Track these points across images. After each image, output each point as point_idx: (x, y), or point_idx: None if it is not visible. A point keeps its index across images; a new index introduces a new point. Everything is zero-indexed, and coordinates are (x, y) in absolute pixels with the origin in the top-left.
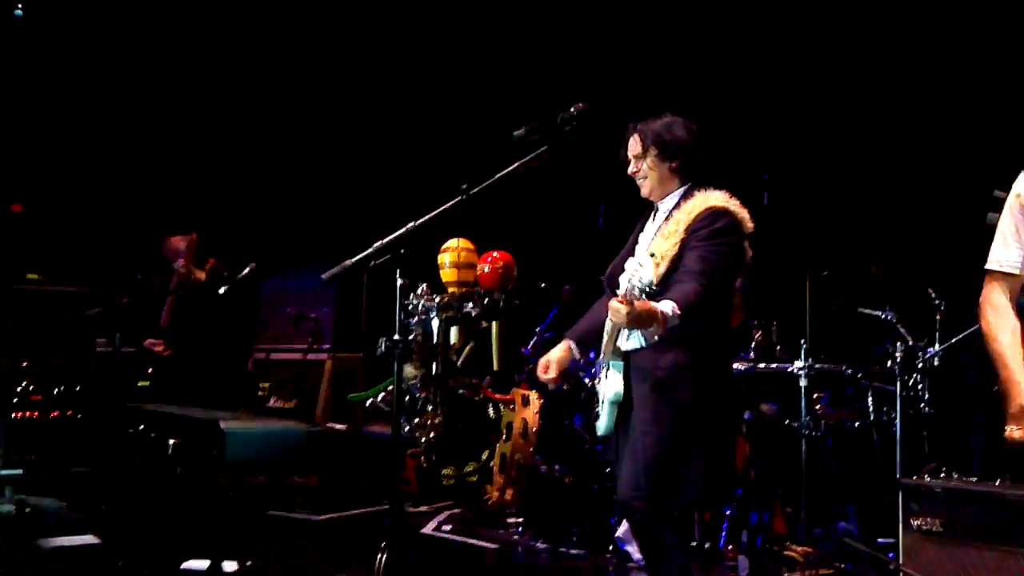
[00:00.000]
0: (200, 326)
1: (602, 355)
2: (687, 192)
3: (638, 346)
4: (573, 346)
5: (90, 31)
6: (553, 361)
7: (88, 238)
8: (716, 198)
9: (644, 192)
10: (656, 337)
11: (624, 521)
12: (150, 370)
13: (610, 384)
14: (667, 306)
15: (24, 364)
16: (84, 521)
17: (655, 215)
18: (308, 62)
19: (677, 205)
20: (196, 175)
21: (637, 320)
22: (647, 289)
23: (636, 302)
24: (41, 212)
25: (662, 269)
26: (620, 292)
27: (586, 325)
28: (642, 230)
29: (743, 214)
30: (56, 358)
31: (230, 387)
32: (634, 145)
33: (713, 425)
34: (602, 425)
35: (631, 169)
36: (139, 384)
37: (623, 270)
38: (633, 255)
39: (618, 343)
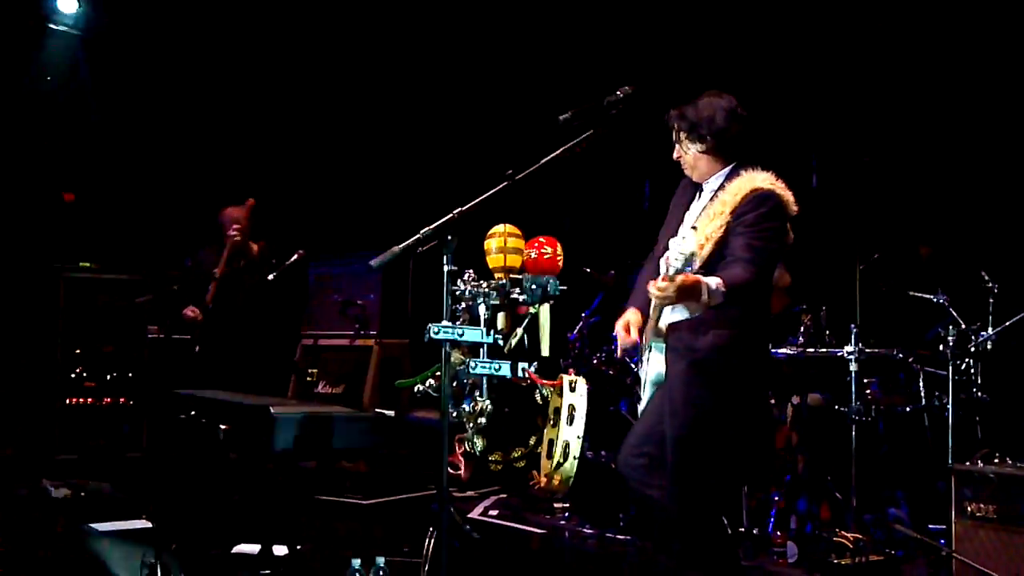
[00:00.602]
0: (247, 304)
1: (645, 337)
2: (732, 172)
3: (680, 318)
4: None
5: (140, 22)
6: (632, 323)
7: (139, 226)
8: (762, 179)
9: (691, 176)
10: (698, 312)
11: None
12: (197, 348)
13: (652, 366)
14: (713, 281)
15: (77, 351)
16: (137, 505)
17: (700, 194)
18: (358, 47)
19: (722, 186)
20: (245, 162)
21: (682, 293)
22: (690, 264)
23: (680, 276)
24: (93, 200)
25: (707, 250)
26: (662, 270)
27: (643, 297)
28: (686, 209)
29: (788, 196)
30: (108, 345)
31: (277, 373)
32: (675, 132)
33: (747, 409)
34: (643, 408)
35: (674, 155)
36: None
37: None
38: (677, 233)
39: (660, 323)
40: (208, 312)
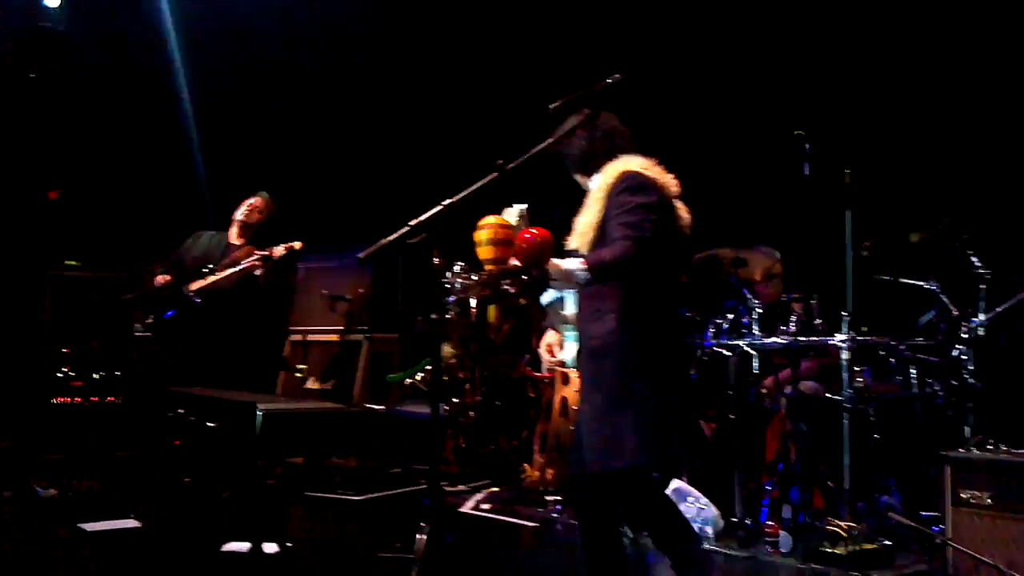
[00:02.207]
0: (234, 299)
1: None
2: (593, 168)
3: (564, 307)
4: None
5: (124, 16)
6: (554, 344)
7: (126, 223)
8: (634, 163)
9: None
10: (565, 290)
11: None
12: (179, 349)
13: (567, 352)
14: (575, 263)
15: (64, 350)
16: (125, 504)
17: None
18: (346, 39)
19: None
20: (230, 158)
21: (558, 279)
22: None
23: (549, 265)
24: (78, 198)
25: (589, 238)
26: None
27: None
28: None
29: (661, 179)
30: (96, 343)
31: (266, 369)
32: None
33: (648, 389)
34: None
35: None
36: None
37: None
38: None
39: (566, 312)
40: (194, 306)
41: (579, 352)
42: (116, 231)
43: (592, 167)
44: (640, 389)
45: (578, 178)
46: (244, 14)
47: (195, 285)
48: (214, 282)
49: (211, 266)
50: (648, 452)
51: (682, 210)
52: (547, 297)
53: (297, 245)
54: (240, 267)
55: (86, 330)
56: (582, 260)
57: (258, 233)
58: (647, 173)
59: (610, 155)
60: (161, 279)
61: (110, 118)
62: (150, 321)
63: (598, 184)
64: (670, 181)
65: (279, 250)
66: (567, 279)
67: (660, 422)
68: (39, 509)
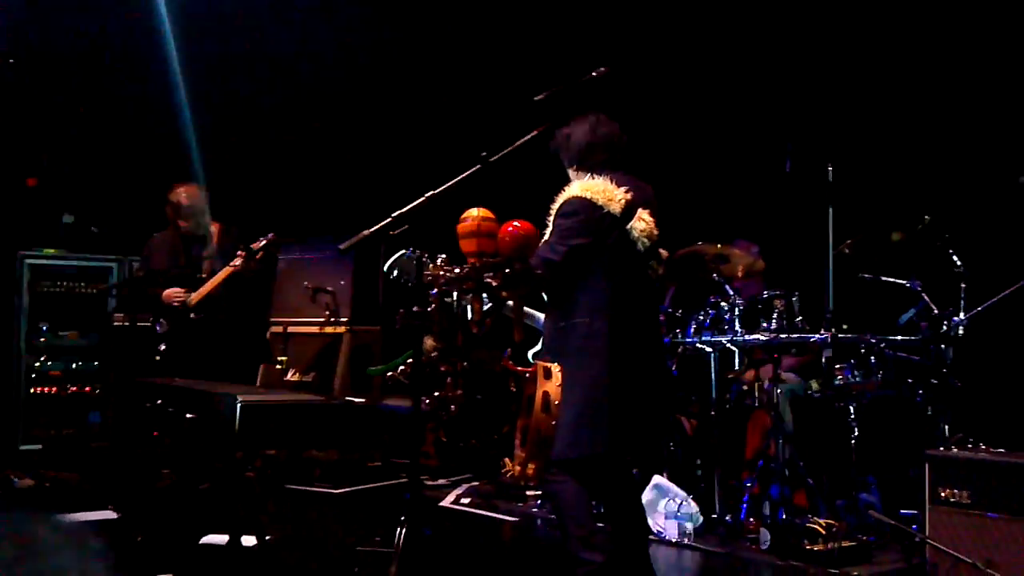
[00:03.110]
0: (229, 300)
1: None
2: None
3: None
4: None
5: (107, 3)
6: None
7: (104, 211)
8: (580, 186)
9: None
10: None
11: (646, 493)
12: (161, 347)
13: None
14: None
15: (42, 339)
16: (102, 496)
17: None
18: (321, 29)
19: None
20: (212, 147)
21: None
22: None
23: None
24: (57, 185)
25: None
26: None
27: None
28: None
29: (602, 198)
30: (74, 333)
31: (246, 361)
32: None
33: (580, 380)
34: None
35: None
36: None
37: None
38: None
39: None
40: (189, 309)
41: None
42: (95, 218)
43: (582, 171)
44: (574, 387)
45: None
46: (230, 7)
47: (195, 297)
48: (209, 291)
49: (202, 276)
50: (572, 449)
51: (640, 221)
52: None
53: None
54: (228, 268)
55: (64, 319)
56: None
57: (200, 220)
58: (587, 196)
59: (589, 169)
60: (173, 293)
61: (92, 104)
62: (126, 323)
63: (552, 207)
64: (617, 198)
65: (256, 244)
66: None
67: (586, 421)
68: (15, 500)
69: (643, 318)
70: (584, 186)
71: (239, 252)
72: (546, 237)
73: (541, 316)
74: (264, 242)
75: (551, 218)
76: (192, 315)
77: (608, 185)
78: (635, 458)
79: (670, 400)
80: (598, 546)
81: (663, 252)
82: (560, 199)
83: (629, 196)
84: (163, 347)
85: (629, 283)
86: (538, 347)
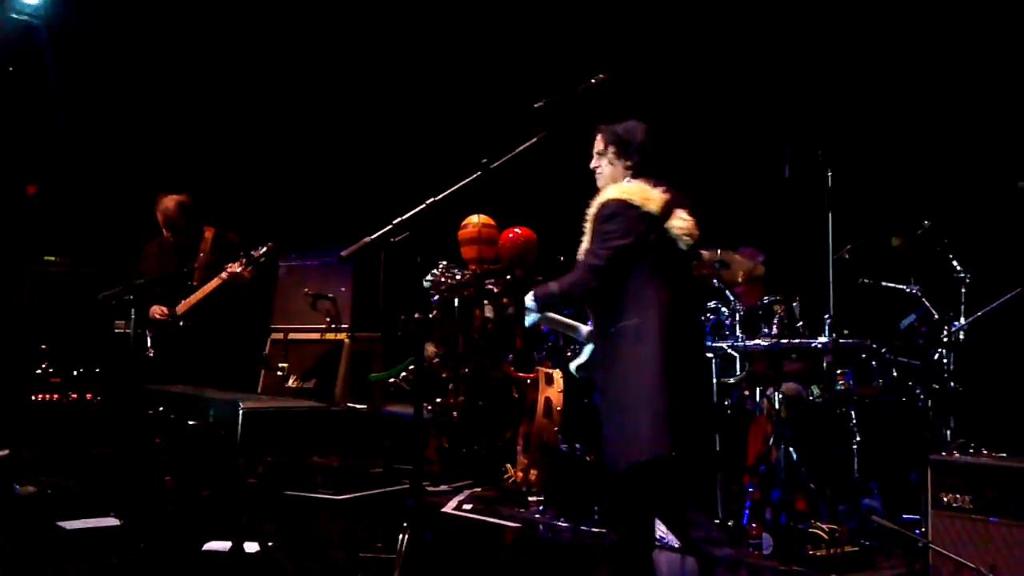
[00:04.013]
0: (216, 300)
1: None
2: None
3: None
4: None
5: (106, 13)
6: None
7: (105, 219)
8: (616, 189)
9: (599, 185)
10: (530, 321)
11: None
12: (149, 353)
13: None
14: (528, 296)
15: (43, 347)
16: (105, 503)
17: None
18: (325, 39)
19: None
20: (214, 155)
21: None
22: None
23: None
24: (58, 193)
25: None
26: None
27: None
28: None
29: (639, 198)
30: (74, 340)
31: (247, 368)
32: (598, 143)
33: (636, 382)
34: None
35: (592, 164)
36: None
37: None
38: None
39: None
40: (176, 319)
41: (590, 361)
42: (96, 226)
43: (635, 172)
44: (631, 390)
45: (615, 162)
46: (227, 12)
47: (181, 308)
48: (197, 300)
49: (192, 283)
50: (643, 452)
51: (679, 219)
52: (528, 319)
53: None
54: (217, 279)
55: (65, 326)
56: (531, 294)
57: (187, 229)
58: (623, 198)
59: (642, 175)
60: (159, 312)
61: (91, 112)
62: (128, 331)
63: (589, 212)
64: (655, 197)
65: (257, 252)
66: (526, 311)
67: (648, 423)
68: (17, 507)
69: (688, 316)
70: (620, 189)
71: (238, 260)
72: (584, 244)
73: (584, 328)
74: (264, 249)
75: (588, 224)
76: (180, 323)
77: (644, 186)
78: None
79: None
80: (723, 540)
81: (705, 253)
82: (596, 204)
83: (667, 196)
84: (151, 353)
85: (673, 281)
86: (582, 358)
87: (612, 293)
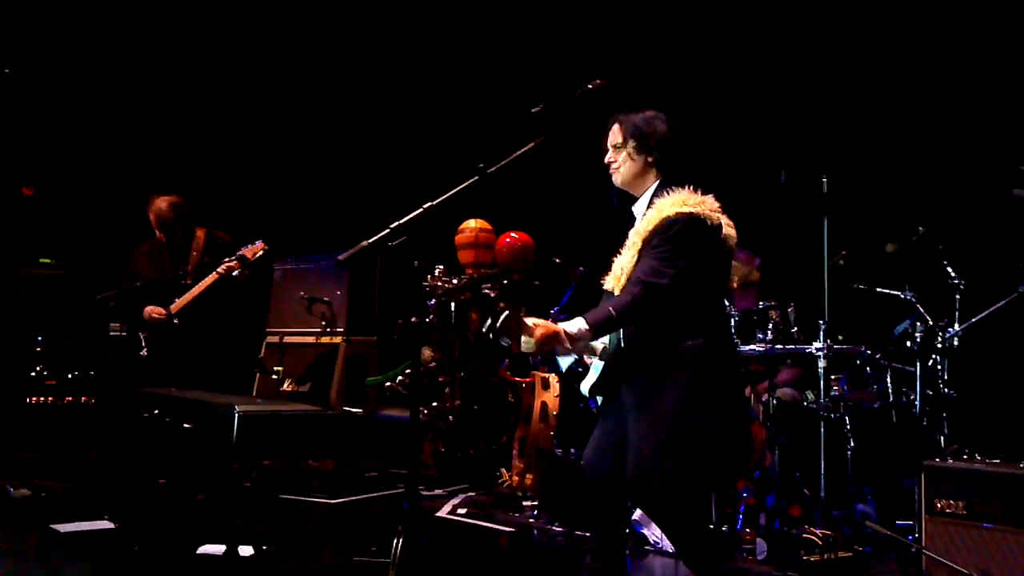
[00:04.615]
0: (210, 301)
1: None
2: (657, 190)
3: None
4: None
5: (103, 14)
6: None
7: (100, 221)
8: (674, 203)
9: (616, 181)
10: (574, 355)
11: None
12: (143, 352)
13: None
14: (573, 325)
15: (38, 349)
16: (99, 505)
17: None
18: (320, 42)
19: (649, 205)
20: (209, 158)
21: (540, 346)
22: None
23: (536, 328)
24: (53, 195)
25: (623, 281)
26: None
27: None
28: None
29: (704, 211)
30: (69, 342)
31: (241, 371)
32: (614, 135)
33: (703, 426)
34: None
35: (608, 158)
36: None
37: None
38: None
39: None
40: (171, 318)
41: (602, 379)
42: (91, 229)
43: (659, 168)
44: (700, 425)
45: (635, 156)
46: (222, 15)
47: (175, 307)
48: (191, 298)
49: (186, 282)
50: (701, 481)
51: (728, 227)
52: (564, 363)
53: (262, 245)
54: (213, 275)
55: (60, 329)
56: (584, 321)
57: (179, 230)
58: (692, 212)
59: (665, 169)
60: (155, 313)
61: (86, 113)
62: (124, 334)
63: (639, 226)
64: (711, 212)
65: (250, 251)
66: (557, 343)
67: (722, 452)
68: (11, 510)
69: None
70: (682, 200)
71: (229, 259)
72: (627, 257)
73: (598, 344)
74: (258, 250)
75: (640, 236)
76: (175, 321)
77: (700, 196)
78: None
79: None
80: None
81: None
82: (657, 217)
83: (718, 204)
84: (144, 352)
85: (724, 296)
86: (593, 377)
87: (673, 311)
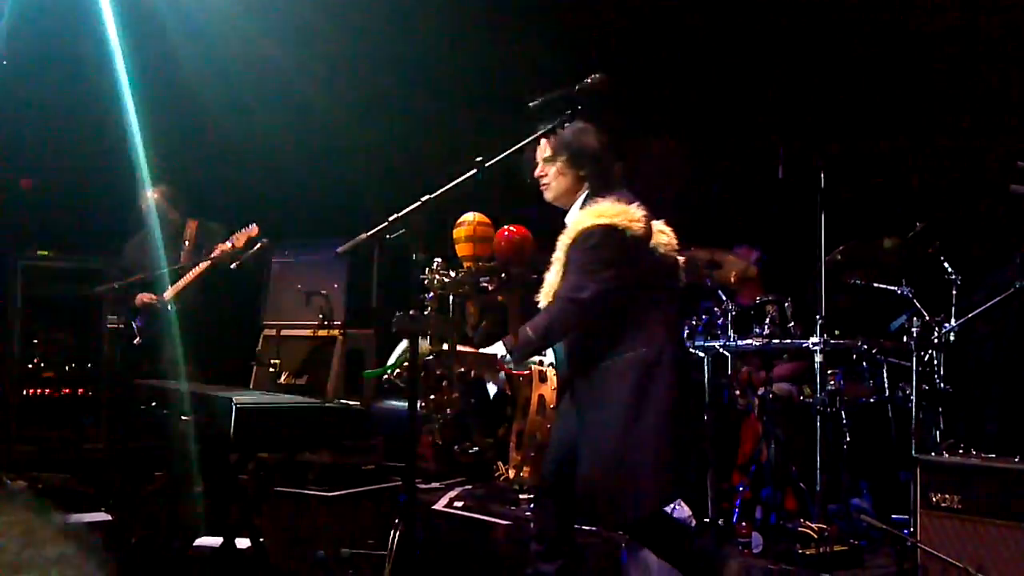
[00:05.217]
0: (206, 293)
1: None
2: (585, 202)
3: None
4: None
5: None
6: None
7: (99, 213)
8: (592, 214)
9: (547, 197)
10: (501, 375)
11: None
12: (137, 340)
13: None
14: (498, 348)
15: (35, 341)
16: (97, 498)
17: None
18: (317, 31)
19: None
20: (205, 150)
21: (475, 364)
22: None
23: (467, 355)
24: (51, 187)
25: (549, 299)
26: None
27: None
28: None
29: (622, 221)
30: (67, 335)
31: (238, 363)
32: (543, 148)
33: (642, 441)
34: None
35: (537, 172)
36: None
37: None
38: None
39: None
40: (172, 312)
41: (567, 391)
42: (89, 221)
43: (591, 182)
44: (641, 427)
45: (566, 170)
46: (219, 7)
47: (168, 294)
48: (184, 284)
49: (176, 268)
50: (658, 499)
51: (661, 234)
52: (492, 389)
53: (254, 231)
54: (205, 263)
55: (58, 321)
56: (501, 345)
57: (172, 220)
58: (606, 223)
59: (597, 183)
60: (146, 297)
61: (85, 105)
62: (121, 326)
63: (561, 240)
64: (638, 217)
65: (241, 237)
66: (492, 366)
67: (662, 464)
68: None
69: (681, 338)
70: (599, 212)
71: (221, 243)
72: (553, 276)
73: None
74: (249, 231)
75: (560, 254)
76: (168, 307)
77: (620, 206)
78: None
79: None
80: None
81: (700, 253)
82: (573, 231)
83: (645, 212)
84: (138, 340)
85: (668, 304)
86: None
87: (604, 324)
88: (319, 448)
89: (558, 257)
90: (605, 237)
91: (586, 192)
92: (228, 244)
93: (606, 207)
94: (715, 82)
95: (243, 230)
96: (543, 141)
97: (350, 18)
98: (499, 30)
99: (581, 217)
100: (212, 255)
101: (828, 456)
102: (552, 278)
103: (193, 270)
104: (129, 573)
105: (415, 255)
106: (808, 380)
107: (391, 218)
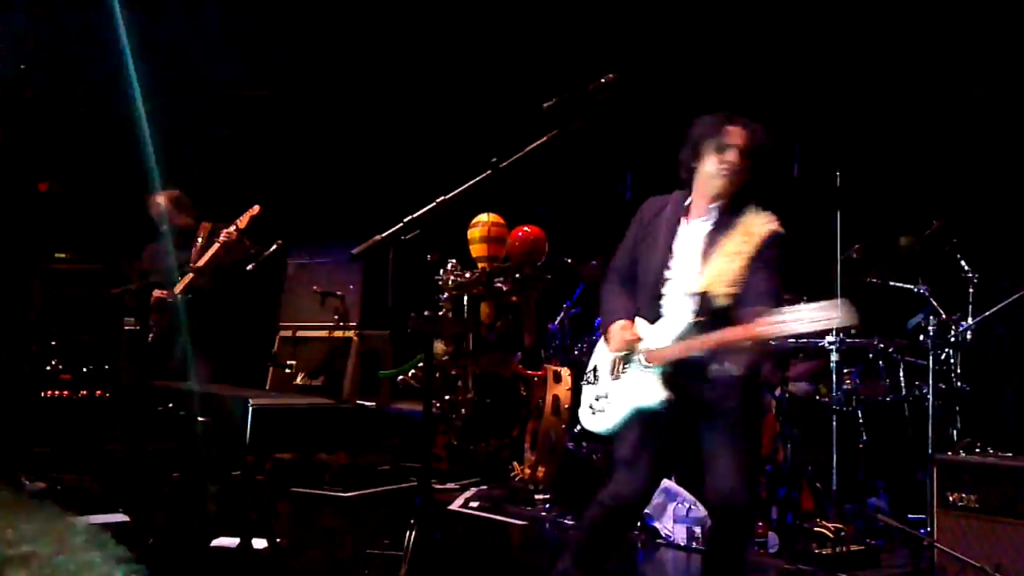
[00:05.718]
0: (223, 294)
1: (642, 359)
2: (733, 203)
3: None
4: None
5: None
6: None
7: (116, 216)
8: (771, 219)
9: (718, 187)
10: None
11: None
12: (150, 336)
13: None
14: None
15: (53, 343)
16: (113, 498)
17: (688, 219)
18: (334, 37)
19: (726, 220)
20: (223, 152)
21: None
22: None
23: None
24: (69, 190)
25: (732, 288)
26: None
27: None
28: (672, 230)
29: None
30: (85, 337)
31: (255, 365)
32: (743, 138)
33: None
34: (608, 424)
35: (731, 157)
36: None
37: (664, 269)
38: (671, 254)
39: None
40: (180, 302)
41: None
42: (107, 223)
43: (727, 194)
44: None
45: (747, 167)
46: (236, 11)
47: (178, 287)
48: (194, 276)
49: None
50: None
51: None
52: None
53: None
54: (213, 249)
55: (75, 323)
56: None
57: (183, 224)
58: (776, 227)
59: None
60: (160, 293)
61: (106, 109)
62: (137, 327)
63: (737, 237)
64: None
65: (244, 218)
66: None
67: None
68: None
69: None
70: (772, 218)
71: (226, 228)
72: (734, 262)
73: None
74: (251, 212)
75: (752, 247)
76: (178, 295)
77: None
78: None
79: None
80: None
81: None
82: (764, 231)
83: None
84: (152, 336)
85: None
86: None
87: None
88: (335, 449)
89: (739, 251)
90: (785, 244)
91: (738, 192)
92: (232, 227)
93: (771, 215)
94: (730, 81)
95: (243, 215)
96: (744, 131)
97: (369, 19)
98: (514, 30)
99: (764, 219)
100: (219, 239)
101: (844, 455)
102: (732, 265)
103: (204, 256)
104: (146, 574)
105: (428, 256)
106: (824, 379)
107: (406, 219)
